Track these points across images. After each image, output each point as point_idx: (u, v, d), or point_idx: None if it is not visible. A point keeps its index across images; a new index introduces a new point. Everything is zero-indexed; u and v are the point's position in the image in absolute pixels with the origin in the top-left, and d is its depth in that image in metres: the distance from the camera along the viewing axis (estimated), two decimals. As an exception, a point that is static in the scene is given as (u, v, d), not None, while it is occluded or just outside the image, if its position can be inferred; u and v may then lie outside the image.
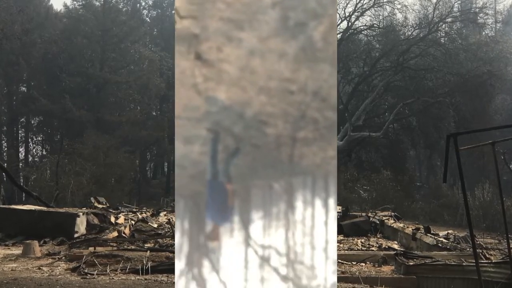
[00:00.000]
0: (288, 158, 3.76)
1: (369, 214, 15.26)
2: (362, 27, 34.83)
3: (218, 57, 3.51)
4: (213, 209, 3.84)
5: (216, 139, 3.73)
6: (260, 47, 3.51)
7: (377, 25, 34.62)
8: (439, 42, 32.85)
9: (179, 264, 3.85)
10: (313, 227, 3.81)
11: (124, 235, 12.02)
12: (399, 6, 33.64)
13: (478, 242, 10.12)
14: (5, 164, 29.46)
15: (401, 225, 12.88)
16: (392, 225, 13.12)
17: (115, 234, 11.64)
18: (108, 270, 7.25)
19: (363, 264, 8.14)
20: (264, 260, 3.75)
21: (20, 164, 36.64)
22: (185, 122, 3.69)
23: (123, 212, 16.34)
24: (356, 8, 33.41)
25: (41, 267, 7.75)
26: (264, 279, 3.79)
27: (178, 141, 3.72)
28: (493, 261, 7.27)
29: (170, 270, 6.99)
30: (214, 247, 3.82)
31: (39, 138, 41.97)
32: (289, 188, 3.81)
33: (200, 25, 3.45)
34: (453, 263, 7.15)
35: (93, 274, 7.01)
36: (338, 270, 6.72)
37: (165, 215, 16.81)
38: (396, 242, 11.81)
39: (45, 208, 13.56)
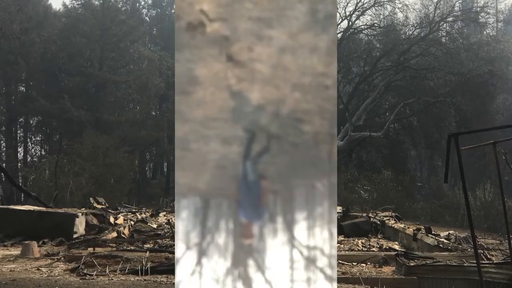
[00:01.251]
0: (328, 155, 3.75)
1: (370, 215, 15.19)
2: (362, 27, 34.73)
3: (249, 57, 3.55)
4: (247, 207, 3.87)
5: (251, 139, 3.76)
6: (291, 43, 3.53)
7: (377, 24, 34.51)
8: (440, 41, 32.71)
9: (225, 264, 3.90)
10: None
11: (123, 235, 11.93)
12: (400, 5, 33.74)
13: (480, 243, 10.05)
14: (4, 164, 29.48)
15: (402, 225, 12.82)
16: (393, 225, 13.06)
17: (114, 234, 11.57)
18: (107, 271, 7.21)
19: (364, 264, 8.09)
20: (310, 261, 3.80)
21: (19, 164, 36.57)
22: (222, 123, 3.74)
23: (122, 212, 16.27)
24: (357, 7, 33.39)
25: (40, 268, 7.72)
26: (311, 280, 3.85)
27: (215, 142, 3.79)
28: (494, 261, 7.22)
29: (170, 270, 6.97)
30: (259, 247, 3.86)
31: (38, 138, 41.87)
32: (331, 186, 3.80)
33: (229, 27, 3.50)
34: (454, 263, 7.11)
35: (92, 275, 6.97)
36: (338, 271, 6.83)
37: (164, 215, 16.74)
38: (397, 242, 11.75)
39: (44, 209, 13.48)
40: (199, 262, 3.89)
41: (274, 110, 3.69)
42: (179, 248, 3.88)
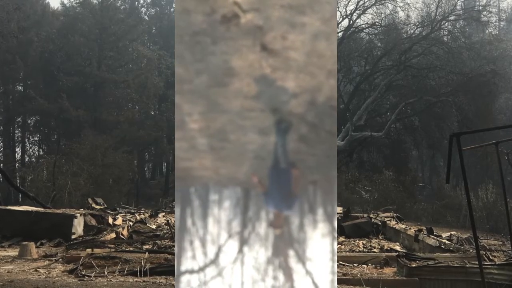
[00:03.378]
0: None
1: (371, 215, 15.12)
2: (363, 25, 34.56)
3: (283, 46, 3.55)
4: (276, 197, 3.90)
5: (286, 128, 3.77)
6: (324, 29, 3.53)
7: (379, 23, 34.39)
8: (442, 40, 32.56)
9: (266, 253, 4.03)
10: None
11: (122, 236, 11.89)
12: (401, 4, 33.61)
13: (482, 244, 10.03)
14: (1, 165, 29.33)
15: (403, 226, 12.80)
16: (394, 226, 13.03)
17: (113, 235, 11.55)
18: (106, 272, 7.20)
19: (365, 266, 8.05)
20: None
21: (17, 165, 36.44)
22: (259, 114, 3.79)
23: (121, 213, 16.20)
24: (358, 6, 33.21)
25: (37, 269, 7.70)
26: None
27: (252, 132, 3.86)
28: (496, 263, 7.18)
29: (169, 272, 6.99)
30: (299, 238, 3.95)
31: (36, 138, 41.82)
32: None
33: (262, 16, 3.51)
34: (456, 265, 7.06)
35: (90, 276, 6.97)
36: (339, 272, 7.01)
37: (163, 216, 16.65)
38: (398, 243, 11.70)
39: (42, 209, 13.40)
40: (240, 251, 4.02)
41: (310, 98, 3.68)
42: (222, 236, 4.04)
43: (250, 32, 3.54)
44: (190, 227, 4.10)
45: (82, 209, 14.74)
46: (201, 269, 4.09)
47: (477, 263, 5.08)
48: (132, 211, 18.09)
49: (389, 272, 7.50)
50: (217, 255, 4.11)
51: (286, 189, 3.87)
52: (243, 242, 3.98)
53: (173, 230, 11.18)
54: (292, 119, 3.75)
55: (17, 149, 39.79)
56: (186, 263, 4.09)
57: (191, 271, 4.09)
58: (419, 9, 35.58)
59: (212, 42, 3.59)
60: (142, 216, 15.88)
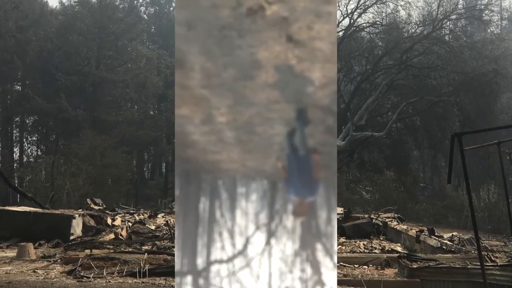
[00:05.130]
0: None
1: (372, 216, 15.07)
2: (364, 25, 34.39)
3: (309, 36, 3.52)
4: (297, 184, 3.86)
5: (305, 118, 3.72)
6: None
7: (380, 22, 34.22)
8: (443, 39, 32.43)
9: (294, 246, 4.10)
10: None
11: (121, 237, 11.85)
12: (402, 3, 33.39)
13: (484, 245, 9.99)
14: (-1, 165, 29.10)
15: (405, 227, 12.79)
16: (395, 227, 12.99)
17: (112, 236, 11.52)
18: (104, 273, 7.20)
19: (366, 267, 8.05)
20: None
21: (15, 165, 36.36)
22: (285, 105, 3.79)
23: (120, 213, 16.12)
24: (359, 5, 32.99)
25: (36, 270, 7.73)
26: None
27: (279, 124, 3.86)
28: (498, 264, 7.18)
29: (168, 273, 7.01)
30: (327, 232, 4.01)
31: (34, 138, 41.78)
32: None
33: (288, 7, 3.48)
34: (457, 266, 7.03)
35: (89, 277, 6.98)
36: (340, 273, 7.08)
37: (163, 216, 16.47)
38: (399, 244, 11.67)
39: (40, 210, 13.46)
40: (268, 242, 4.08)
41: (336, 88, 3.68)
42: (249, 228, 4.13)
43: (275, 24, 3.52)
44: (219, 219, 4.16)
45: (80, 210, 14.72)
46: (230, 259, 4.17)
47: (479, 264, 5.05)
48: (131, 211, 17.97)
49: (390, 273, 7.50)
50: (245, 246, 4.22)
51: (308, 175, 3.82)
52: (271, 234, 4.03)
53: (172, 230, 11.17)
54: (318, 111, 3.65)
55: (15, 149, 39.74)
56: (216, 253, 4.17)
57: (220, 261, 4.17)
58: (421, 8, 35.43)
59: (239, 35, 3.58)
60: (141, 216, 15.79)
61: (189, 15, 3.46)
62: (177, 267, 4.30)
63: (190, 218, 4.25)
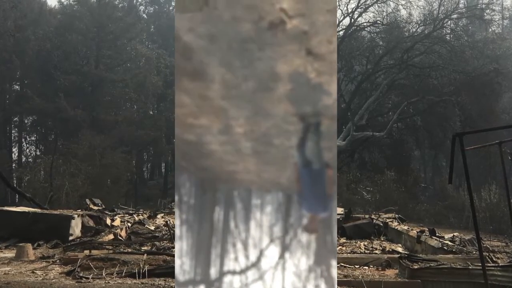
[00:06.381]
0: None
1: (373, 216, 15.10)
2: (365, 24, 34.31)
3: (328, 49, 3.56)
4: (310, 199, 3.81)
5: (318, 130, 3.68)
6: None
7: (380, 21, 34.07)
8: (444, 39, 32.39)
9: (308, 261, 4.08)
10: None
11: (120, 237, 11.90)
12: (403, 2, 33.31)
13: (485, 245, 9.95)
14: (-3, 165, 28.93)
15: (406, 227, 12.83)
16: (396, 227, 13.02)
17: (111, 236, 11.55)
18: (103, 274, 7.26)
19: (366, 267, 8.12)
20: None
21: (13, 165, 36.22)
22: (302, 118, 3.80)
23: (119, 214, 16.15)
24: (359, 4, 32.88)
25: (35, 271, 7.79)
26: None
27: (296, 137, 3.85)
28: (500, 264, 7.23)
29: (168, 273, 7.05)
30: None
31: (33, 138, 41.59)
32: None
33: (308, 21, 3.53)
34: (459, 266, 7.07)
35: (88, 278, 7.03)
36: (340, 274, 7.16)
37: (162, 217, 16.47)
38: (400, 245, 11.72)
39: (39, 210, 13.48)
40: (282, 256, 4.05)
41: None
42: (263, 240, 4.12)
43: (296, 37, 3.56)
44: (233, 230, 4.14)
45: (79, 210, 14.74)
46: (243, 271, 4.14)
47: (480, 264, 5.09)
48: (130, 212, 17.99)
49: (391, 273, 7.53)
50: (258, 258, 4.21)
51: (321, 190, 3.74)
52: (285, 248, 3.99)
53: (172, 231, 11.17)
54: (328, 120, 3.67)
55: (14, 149, 39.63)
56: (229, 264, 4.14)
57: (233, 272, 4.14)
58: (421, 7, 35.40)
59: (259, 48, 3.63)
60: (141, 217, 15.81)
61: (212, 29, 3.46)
62: (189, 276, 4.26)
63: (205, 227, 4.23)
